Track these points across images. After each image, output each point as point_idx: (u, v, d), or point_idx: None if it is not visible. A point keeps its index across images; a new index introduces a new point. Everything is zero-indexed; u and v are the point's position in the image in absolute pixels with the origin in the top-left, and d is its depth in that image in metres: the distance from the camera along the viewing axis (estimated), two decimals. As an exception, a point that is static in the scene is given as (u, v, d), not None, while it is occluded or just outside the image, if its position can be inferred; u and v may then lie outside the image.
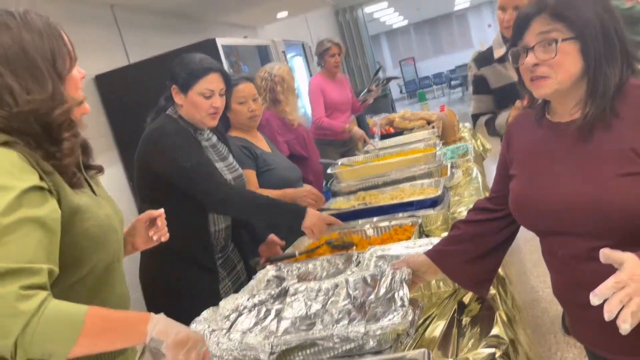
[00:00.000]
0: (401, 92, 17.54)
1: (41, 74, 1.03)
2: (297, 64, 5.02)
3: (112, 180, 3.32)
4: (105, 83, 3.42)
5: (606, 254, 0.92)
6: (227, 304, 1.42)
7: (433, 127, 3.85)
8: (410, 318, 1.12)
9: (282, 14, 5.90)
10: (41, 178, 1.01)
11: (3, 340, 0.87)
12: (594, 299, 0.85)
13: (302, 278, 1.75)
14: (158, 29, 4.12)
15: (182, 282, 1.85)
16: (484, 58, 2.35)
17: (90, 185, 1.18)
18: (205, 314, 1.37)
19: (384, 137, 4.00)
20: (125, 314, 1.05)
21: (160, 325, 0.99)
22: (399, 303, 1.18)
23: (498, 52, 2.26)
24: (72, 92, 1.09)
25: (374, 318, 1.16)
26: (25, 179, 0.97)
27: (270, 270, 1.77)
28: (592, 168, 1.09)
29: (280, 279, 1.76)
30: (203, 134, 1.96)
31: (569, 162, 1.13)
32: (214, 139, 2.03)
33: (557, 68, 1.10)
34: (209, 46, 3.11)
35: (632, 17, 3.24)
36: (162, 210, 1.37)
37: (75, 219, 1.05)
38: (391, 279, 1.29)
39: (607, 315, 0.83)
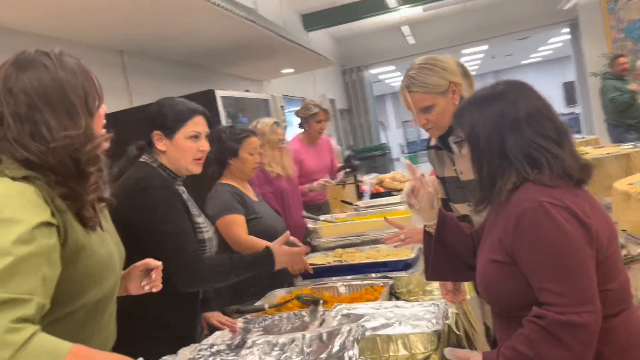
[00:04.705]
0: (402, 152, 17.79)
1: (75, 111, 1.09)
2: (295, 118, 5.15)
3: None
4: (108, 123, 3.52)
5: (451, 353, 1.19)
6: (186, 351, 1.44)
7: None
8: (355, 378, 1.15)
9: (287, 71, 6.12)
10: (52, 215, 1.05)
11: None
12: None
13: (267, 330, 1.77)
14: (164, 76, 4.28)
15: (162, 315, 1.74)
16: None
17: (99, 221, 1.20)
18: None
19: (373, 196, 4.07)
20: (105, 356, 1.05)
21: None
22: (347, 362, 1.20)
23: None
24: (98, 128, 1.17)
25: (321, 376, 1.19)
26: (38, 214, 1.01)
27: (237, 323, 1.80)
28: (481, 249, 1.30)
29: (246, 331, 1.79)
30: (180, 186, 1.87)
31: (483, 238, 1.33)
32: (186, 192, 1.92)
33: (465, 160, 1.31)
34: (208, 96, 3.24)
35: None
36: (160, 263, 1.39)
37: (78, 256, 1.08)
38: (345, 338, 1.32)
39: None
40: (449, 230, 1.43)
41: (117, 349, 1.21)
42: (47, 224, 1.02)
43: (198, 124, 1.80)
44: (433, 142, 1.97)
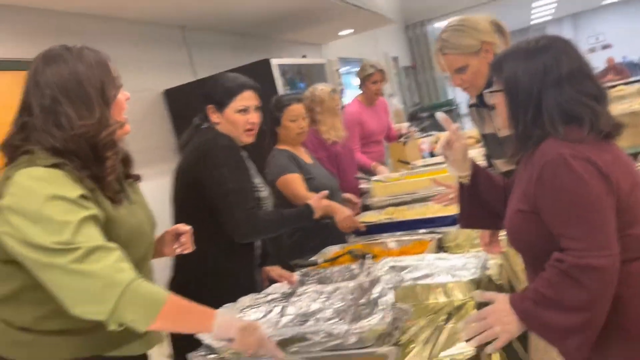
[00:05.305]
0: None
1: (91, 102, 1.22)
2: (355, 80, 5.19)
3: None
4: (173, 97, 3.77)
5: (480, 295, 1.28)
6: (245, 299, 1.63)
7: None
8: (388, 320, 1.28)
9: (346, 32, 6.12)
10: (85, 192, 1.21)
11: (102, 306, 1.10)
12: (463, 334, 1.20)
13: (320, 282, 1.93)
14: (224, 48, 4.46)
15: (223, 267, 1.94)
16: None
17: (127, 194, 1.37)
18: (224, 308, 1.58)
19: (431, 154, 4.10)
20: (196, 307, 1.22)
21: (222, 320, 1.22)
22: (381, 307, 1.33)
23: None
24: (117, 115, 1.30)
25: (358, 318, 1.32)
26: (76, 189, 1.18)
27: (295, 275, 1.97)
28: (511, 200, 1.33)
29: (301, 283, 1.96)
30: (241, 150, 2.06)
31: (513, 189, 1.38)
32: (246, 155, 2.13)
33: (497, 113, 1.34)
34: (263, 65, 3.38)
35: None
36: (189, 228, 1.55)
37: (109, 227, 1.24)
38: (383, 286, 1.44)
39: (471, 341, 1.20)
40: (482, 181, 1.50)
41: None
42: (85, 197, 1.19)
43: (246, 99, 1.94)
44: (472, 101, 2.00)
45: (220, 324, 1.21)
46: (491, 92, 1.35)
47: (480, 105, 1.93)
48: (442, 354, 1.29)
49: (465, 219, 1.60)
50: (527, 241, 1.28)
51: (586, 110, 1.21)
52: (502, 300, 1.23)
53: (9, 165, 1.23)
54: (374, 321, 1.27)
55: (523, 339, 1.62)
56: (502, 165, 1.96)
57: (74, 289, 1.11)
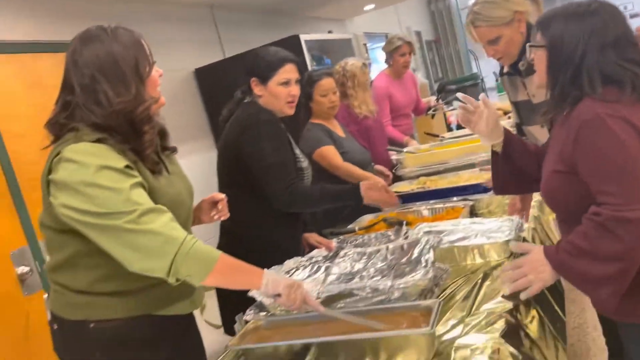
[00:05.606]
0: (497, 80, 16.99)
1: (127, 80, 1.27)
2: (380, 54, 5.20)
3: (207, 163, 3.74)
4: (203, 75, 3.86)
5: (516, 246, 1.34)
6: (290, 262, 1.72)
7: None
8: (430, 276, 1.35)
9: (369, 7, 6.11)
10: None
11: (161, 261, 1.20)
12: (499, 281, 1.27)
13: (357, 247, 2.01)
14: (251, 26, 4.52)
15: (270, 233, 2.03)
16: None
17: (165, 165, 1.44)
18: (271, 269, 1.67)
19: (459, 127, 4.12)
20: (246, 265, 1.32)
21: (270, 278, 1.32)
22: (423, 264, 1.41)
23: None
24: (151, 90, 1.36)
25: (401, 275, 1.40)
26: (121, 160, 1.27)
27: (333, 242, 2.06)
28: (546, 161, 1.38)
29: (340, 248, 2.04)
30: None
31: (548, 151, 1.42)
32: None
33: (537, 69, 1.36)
34: (293, 42, 3.43)
35: None
36: (224, 195, 1.62)
37: (151, 196, 1.32)
38: (423, 246, 1.52)
39: (506, 286, 1.29)
40: (514, 147, 1.55)
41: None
42: (130, 167, 1.27)
43: (288, 72, 2.00)
44: (506, 69, 2.04)
45: (268, 281, 1.31)
46: (533, 46, 1.36)
47: (514, 74, 1.96)
48: (482, 307, 1.37)
49: (499, 186, 1.65)
50: (564, 201, 1.33)
51: (628, 73, 1.25)
52: (537, 251, 1.28)
53: (56, 143, 1.32)
54: (417, 277, 1.35)
55: (559, 298, 1.69)
56: (534, 131, 2.00)
57: (134, 247, 1.21)
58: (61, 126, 1.31)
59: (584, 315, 2.64)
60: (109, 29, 1.32)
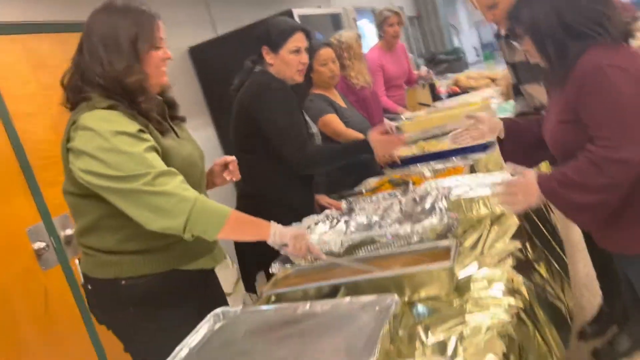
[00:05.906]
0: (477, 55, 17.13)
1: (122, 50, 1.39)
2: (368, 29, 5.28)
3: (205, 139, 3.81)
4: (197, 54, 3.90)
5: (511, 168, 1.46)
6: (308, 219, 1.83)
7: (497, 86, 4.03)
8: (446, 221, 1.47)
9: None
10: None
11: (177, 219, 1.29)
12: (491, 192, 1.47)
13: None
14: (241, 3, 4.54)
15: (285, 195, 2.13)
16: None
17: (175, 132, 1.54)
18: (292, 226, 1.77)
19: (450, 95, 4.24)
20: (255, 219, 1.44)
21: (277, 229, 1.43)
22: (437, 211, 1.52)
23: None
24: (151, 69, 1.43)
25: (418, 221, 1.52)
26: (134, 125, 1.36)
27: (342, 203, 2.16)
28: (550, 114, 1.50)
29: (350, 210, 2.15)
30: None
31: (551, 106, 1.53)
32: None
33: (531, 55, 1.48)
34: (286, 16, 3.48)
35: None
36: (233, 157, 1.71)
37: (166, 156, 1.42)
38: (435, 196, 1.63)
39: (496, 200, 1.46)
40: (516, 127, 1.68)
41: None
42: (142, 131, 1.37)
43: (299, 40, 2.07)
44: (503, 33, 2.14)
45: (276, 231, 1.42)
46: (517, 41, 1.50)
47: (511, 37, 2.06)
48: (493, 248, 1.49)
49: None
50: (569, 149, 1.43)
51: (602, 15, 1.36)
52: (530, 175, 1.41)
53: (72, 111, 1.43)
54: (435, 221, 1.46)
55: (559, 242, 1.82)
56: (531, 90, 2.11)
57: (151, 207, 1.30)
58: (77, 91, 1.42)
59: (575, 267, 2.81)
60: (126, 6, 1.43)
